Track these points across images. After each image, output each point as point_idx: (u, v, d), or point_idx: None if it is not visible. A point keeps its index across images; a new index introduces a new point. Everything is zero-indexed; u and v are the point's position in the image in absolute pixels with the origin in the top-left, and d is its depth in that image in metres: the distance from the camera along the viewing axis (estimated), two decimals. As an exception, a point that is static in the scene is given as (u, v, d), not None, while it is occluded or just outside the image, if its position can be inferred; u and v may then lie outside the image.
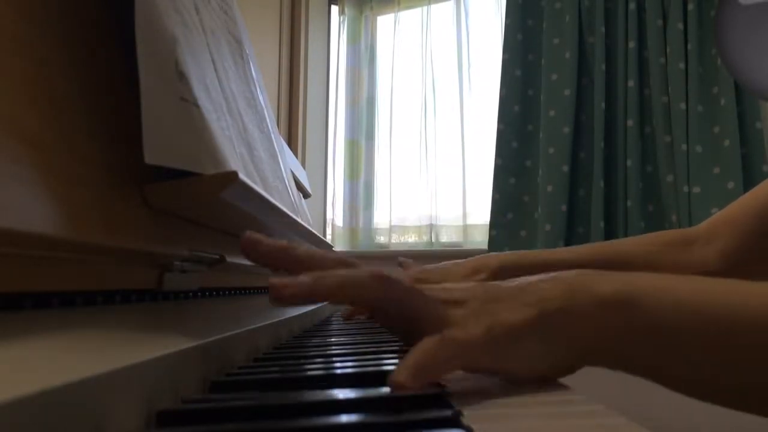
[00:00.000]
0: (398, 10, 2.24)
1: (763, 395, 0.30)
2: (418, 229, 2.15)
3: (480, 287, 0.34)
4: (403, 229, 2.18)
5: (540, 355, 0.32)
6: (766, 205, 0.56)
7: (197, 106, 0.36)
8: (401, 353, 0.43)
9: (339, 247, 2.17)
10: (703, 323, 0.30)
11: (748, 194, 0.59)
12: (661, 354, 0.31)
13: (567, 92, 1.77)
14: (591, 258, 0.62)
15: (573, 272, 0.34)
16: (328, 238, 2.15)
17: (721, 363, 0.30)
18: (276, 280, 0.30)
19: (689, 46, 1.64)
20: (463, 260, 0.66)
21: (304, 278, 0.30)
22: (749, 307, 0.30)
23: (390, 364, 0.39)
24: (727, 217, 0.59)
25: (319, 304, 0.86)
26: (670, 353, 0.31)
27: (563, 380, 0.32)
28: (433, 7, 2.20)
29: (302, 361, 0.42)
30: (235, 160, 0.42)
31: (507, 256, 0.66)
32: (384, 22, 2.32)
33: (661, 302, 0.31)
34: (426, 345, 0.30)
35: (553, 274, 0.34)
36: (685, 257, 0.58)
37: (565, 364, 0.33)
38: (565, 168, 1.75)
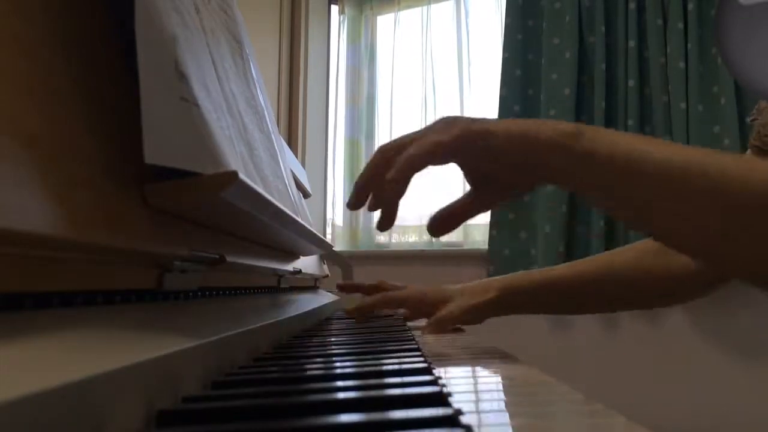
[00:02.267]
0: (398, 10, 2.24)
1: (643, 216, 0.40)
2: (418, 228, 2.15)
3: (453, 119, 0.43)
4: (403, 229, 2.18)
5: (508, 173, 0.45)
6: None
7: (197, 106, 0.36)
8: (400, 353, 0.43)
9: (339, 246, 2.17)
10: (626, 163, 0.38)
11: None
12: (601, 175, 0.39)
13: (567, 92, 1.77)
14: (589, 270, 0.68)
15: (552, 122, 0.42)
16: (328, 238, 2.14)
17: (632, 192, 0.39)
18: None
19: (689, 46, 1.64)
20: (468, 284, 0.71)
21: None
22: (661, 155, 0.37)
23: (389, 364, 0.39)
24: None
25: (322, 303, 0.88)
26: (604, 176, 0.39)
27: (562, 379, 0.32)
28: (433, 6, 2.20)
29: (302, 361, 0.42)
30: (235, 160, 0.42)
31: (510, 277, 0.70)
32: (384, 21, 2.32)
33: (602, 141, 0.39)
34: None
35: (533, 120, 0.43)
36: (672, 260, 0.64)
37: (524, 186, 0.48)
38: (565, 168, 1.74)
